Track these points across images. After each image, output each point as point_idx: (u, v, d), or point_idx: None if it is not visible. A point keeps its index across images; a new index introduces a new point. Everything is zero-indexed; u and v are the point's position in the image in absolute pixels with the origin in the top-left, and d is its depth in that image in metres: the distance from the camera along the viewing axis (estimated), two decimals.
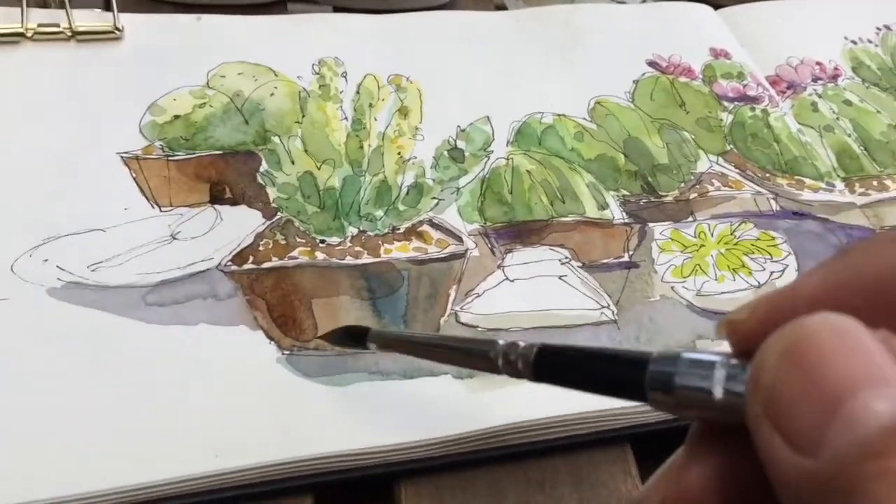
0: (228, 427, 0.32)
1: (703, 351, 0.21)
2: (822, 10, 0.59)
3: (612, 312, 0.38)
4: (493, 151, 0.44)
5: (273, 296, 0.36)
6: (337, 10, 0.54)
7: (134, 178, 0.40)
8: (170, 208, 0.39)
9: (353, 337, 0.34)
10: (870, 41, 0.56)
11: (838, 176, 0.47)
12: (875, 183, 0.47)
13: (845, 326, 0.17)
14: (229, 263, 0.37)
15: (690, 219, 0.43)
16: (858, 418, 0.16)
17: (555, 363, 0.25)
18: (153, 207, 0.39)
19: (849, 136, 0.49)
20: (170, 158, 0.41)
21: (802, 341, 0.17)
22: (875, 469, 0.15)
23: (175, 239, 0.38)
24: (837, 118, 0.50)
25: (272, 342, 0.35)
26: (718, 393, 0.18)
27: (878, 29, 0.57)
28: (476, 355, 0.28)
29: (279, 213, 0.40)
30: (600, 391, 0.24)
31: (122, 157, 0.41)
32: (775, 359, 0.18)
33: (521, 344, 0.26)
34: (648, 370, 0.20)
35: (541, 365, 0.25)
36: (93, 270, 0.36)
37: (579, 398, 0.34)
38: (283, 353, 0.35)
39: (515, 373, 0.26)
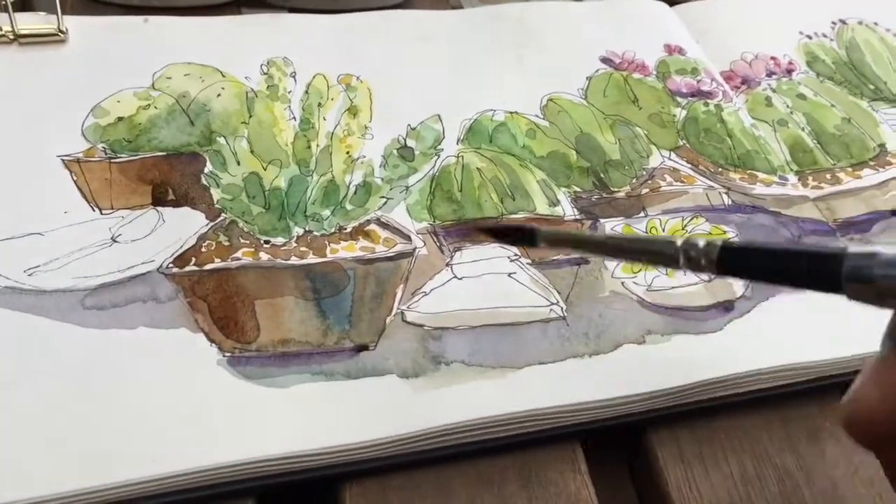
0: (167, 431, 0.32)
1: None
2: (778, 6, 0.59)
3: (562, 309, 0.38)
4: (443, 150, 0.44)
5: (215, 297, 0.36)
6: (292, 11, 0.54)
7: (75, 181, 0.39)
8: (111, 211, 0.38)
9: (517, 235, 0.34)
10: (825, 35, 0.56)
11: (791, 170, 0.47)
12: (828, 176, 0.47)
13: None
14: (170, 265, 0.37)
15: (642, 214, 0.43)
16: None
17: (740, 258, 0.27)
18: (94, 210, 0.38)
19: (802, 129, 0.49)
20: (112, 161, 0.40)
21: None
22: None
23: (115, 242, 0.37)
24: (791, 112, 0.50)
25: (213, 345, 0.34)
26: None
27: (834, 23, 0.57)
28: (655, 252, 0.29)
29: (223, 215, 0.39)
30: (791, 283, 0.26)
31: (62, 159, 0.40)
32: None
33: (701, 243, 0.27)
34: (845, 263, 0.23)
35: (725, 260, 0.27)
36: (30, 275, 0.36)
37: (525, 396, 0.34)
38: (224, 356, 0.34)
39: (697, 268, 0.27)
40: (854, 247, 0.23)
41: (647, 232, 0.42)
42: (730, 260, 0.27)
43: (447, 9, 0.57)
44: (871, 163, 0.48)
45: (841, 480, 0.36)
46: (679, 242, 0.28)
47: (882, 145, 0.49)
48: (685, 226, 0.42)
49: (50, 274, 0.36)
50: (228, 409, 0.33)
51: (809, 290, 0.25)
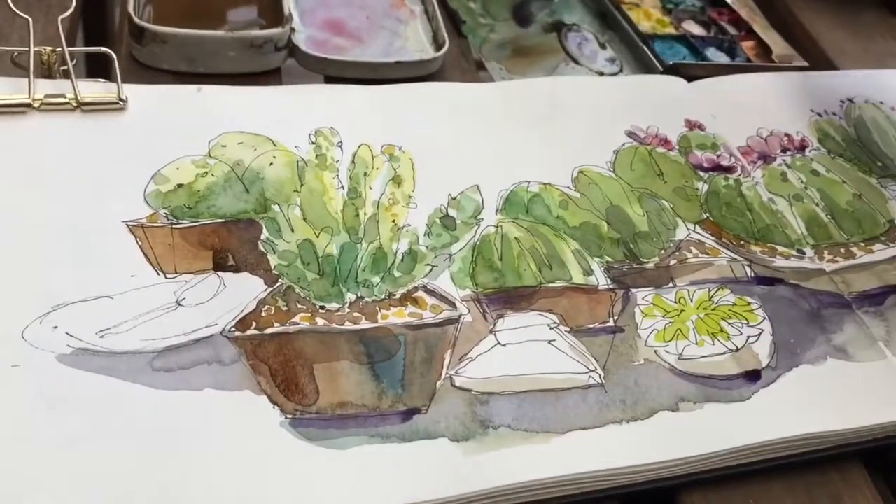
0: (232, 492, 0.33)
1: None
2: (790, 84, 0.62)
3: (599, 376, 0.40)
4: (483, 219, 0.46)
5: (276, 361, 0.38)
6: (328, 79, 0.56)
7: (139, 246, 0.41)
8: (174, 275, 0.40)
9: None
10: (834, 114, 0.59)
11: (808, 243, 0.49)
12: (842, 250, 0.49)
13: None
14: (233, 329, 0.39)
15: (671, 284, 0.45)
16: None
17: None
18: (158, 274, 0.40)
19: (816, 204, 0.52)
20: (174, 226, 0.42)
21: None
22: None
23: (180, 305, 0.39)
24: (806, 187, 0.53)
25: (275, 406, 0.36)
26: None
27: (842, 102, 0.61)
28: None
29: (280, 280, 0.41)
30: None
31: (127, 224, 0.42)
32: None
33: None
34: None
35: None
36: (101, 337, 0.37)
37: (567, 460, 0.36)
38: (286, 418, 0.36)
39: None
40: None
41: (675, 301, 0.44)
42: None
43: (476, 79, 0.59)
44: (882, 238, 0.51)
45: None
46: None
47: (891, 221, 0.52)
48: (711, 296, 0.45)
49: (120, 336, 0.37)
50: (291, 469, 0.34)
51: None
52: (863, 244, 0.50)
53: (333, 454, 0.35)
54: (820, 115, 0.59)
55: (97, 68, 0.53)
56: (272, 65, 0.56)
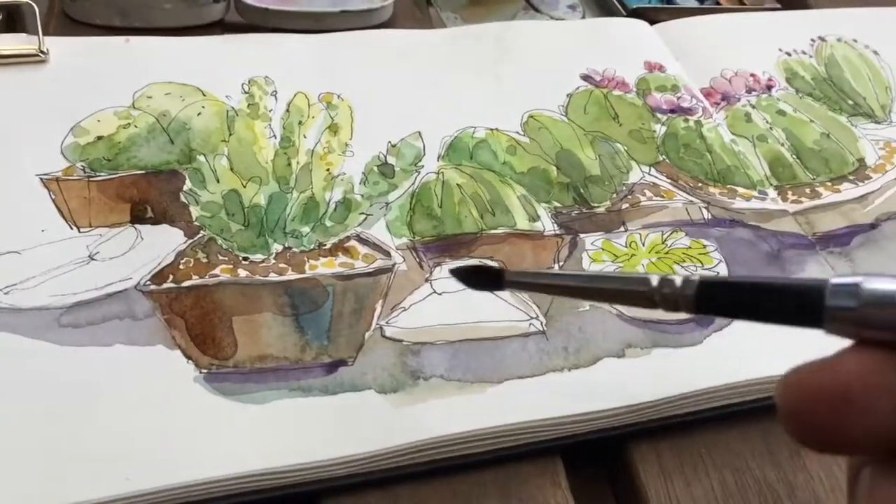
0: (143, 448, 0.32)
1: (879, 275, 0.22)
2: (758, 24, 0.59)
3: (541, 323, 0.38)
4: (423, 166, 0.44)
5: (192, 314, 0.36)
6: (274, 31, 0.54)
7: (53, 200, 0.39)
8: (89, 229, 0.38)
9: (486, 278, 0.31)
10: (804, 52, 0.57)
11: (771, 184, 0.47)
12: (807, 190, 0.47)
13: None
14: (148, 283, 0.37)
15: (622, 229, 0.43)
16: None
17: (718, 295, 0.25)
18: (72, 229, 0.38)
19: (782, 145, 0.49)
20: (91, 179, 0.40)
21: None
22: None
23: (93, 260, 0.37)
24: (771, 128, 0.50)
25: (189, 361, 0.34)
26: None
27: (813, 40, 0.58)
28: (629, 292, 0.27)
29: (202, 232, 0.39)
30: (770, 320, 0.24)
31: (41, 178, 0.40)
32: None
33: (678, 279, 0.25)
34: (827, 297, 0.21)
35: (703, 297, 0.25)
36: (6, 293, 0.35)
37: (504, 410, 0.34)
38: (200, 373, 0.34)
39: (673, 306, 0.26)
40: (836, 278, 0.22)
41: (626, 246, 0.42)
42: (708, 297, 0.25)
43: (429, 28, 0.57)
44: (851, 177, 0.48)
45: (822, 493, 0.35)
46: (654, 281, 0.26)
47: (861, 160, 0.49)
48: (665, 240, 0.42)
49: (26, 292, 0.36)
50: (205, 425, 0.32)
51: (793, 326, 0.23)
52: (829, 183, 0.47)
53: (251, 409, 0.33)
54: (789, 54, 0.56)
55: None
56: (211, 17, 0.53)
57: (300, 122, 0.45)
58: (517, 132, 0.47)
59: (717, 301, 0.25)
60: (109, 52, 0.47)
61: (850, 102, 0.53)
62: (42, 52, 0.45)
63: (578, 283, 0.29)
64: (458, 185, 0.43)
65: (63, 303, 0.35)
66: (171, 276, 0.37)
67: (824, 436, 0.21)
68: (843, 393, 0.20)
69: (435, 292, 0.39)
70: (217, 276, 0.37)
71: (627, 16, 0.59)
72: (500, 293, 0.39)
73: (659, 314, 0.38)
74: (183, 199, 0.40)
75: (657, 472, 0.35)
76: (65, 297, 0.36)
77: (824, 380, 0.21)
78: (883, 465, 0.21)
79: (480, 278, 0.31)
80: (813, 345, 0.38)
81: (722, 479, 0.35)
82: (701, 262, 0.41)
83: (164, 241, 0.38)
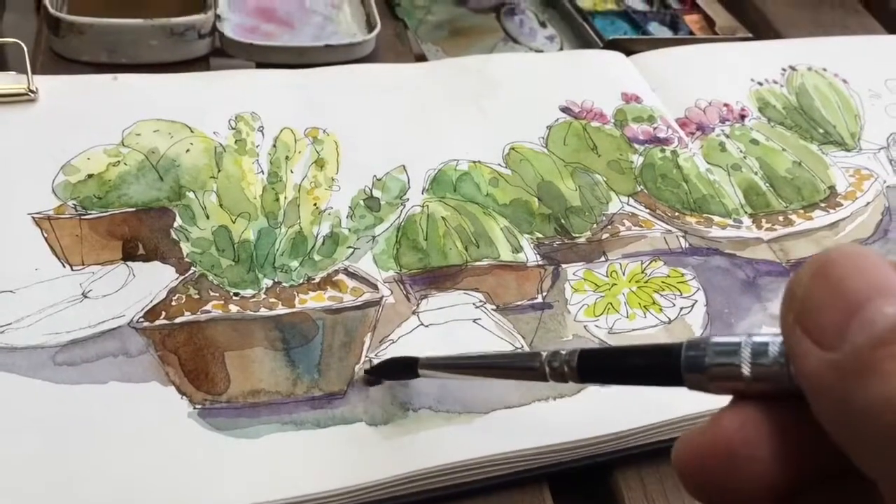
0: (138, 484, 0.32)
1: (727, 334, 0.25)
2: (730, 54, 0.61)
3: None
4: (408, 199, 0.45)
5: (185, 350, 0.36)
6: (260, 66, 0.55)
7: (45, 238, 0.40)
8: (81, 267, 0.39)
9: (401, 369, 0.36)
10: (775, 82, 0.58)
11: (745, 212, 0.48)
12: (781, 218, 0.48)
13: (864, 252, 0.22)
14: (141, 320, 0.37)
15: (602, 259, 0.44)
16: (873, 318, 0.20)
17: (596, 363, 0.29)
18: (64, 267, 0.39)
19: (755, 173, 0.51)
20: (82, 217, 0.41)
21: (830, 262, 0.22)
22: (886, 353, 0.19)
23: (86, 297, 0.38)
24: (745, 157, 0.52)
25: (184, 397, 0.35)
26: (746, 369, 0.21)
27: (784, 70, 0.60)
28: (522, 368, 0.32)
29: (193, 268, 0.40)
30: (640, 382, 0.27)
31: (33, 217, 0.40)
32: (808, 277, 0.22)
33: (563, 352, 0.29)
34: (683, 356, 0.23)
35: (584, 367, 0.28)
36: (1, 332, 0.36)
37: (491, 440, 0.35)
38: (194, 408, 0.35)
39: (561, 378, 0.29)
40: (690, 339, 0.24)
41: (607, 276, 0.43)
42: (587, 365, 0.28)
43: (411, 61, 0.58)
44: (822, 204, 0.50)
45: None
46: (544, 356, 0.29)
47: (832, 187, 0.51)
48: (644, 269, 0.44)
49: (21, 331, 0.36)
50: (199, 460, 0.33)
51: (657, 387, 0.25)
52: (802, 211, 0.49)
53: (244, 444, 0.34)
54: (760, 83, 0.58)
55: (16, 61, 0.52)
56: (197, 53, 0.54)
57: (287, 158, 0.46)
58: (499, 164, 0.48)
59: (596, 369, 0.29)
60: (98, 89, 0.48)
61: (821, 131, 0.55)
62: (31, 91, 0.46)
63: (478, 361, 0.35)
64: (442, 217, 0.44)
65: (58, 341, 0.36)
66: (163, 313, 0.38)
67: (718, 491, 0.22)
68: (725, 449, 0.22)
69: (422, 324, 0.39)
70: (209, 311, 0.38)
71: (604, 47, 0.61)
72: (484, 324, 0.40)
73: (637, 342, 0.40)
74: (173, 235, 0.41)
75: (641, 497, 0.36)
76: (59, 335, 0.36)
77: (708, 439, 0.22)
78: None
79: (395, 372, 0.36)
80: None
81: None
82: (679, 290, 0.43)
83: (155, 278, 0.39)
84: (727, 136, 0.53)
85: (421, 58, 0.60)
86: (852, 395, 0.20)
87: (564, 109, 0.53)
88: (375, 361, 0.37)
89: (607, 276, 0.43)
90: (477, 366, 0.35)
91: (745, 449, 0.22)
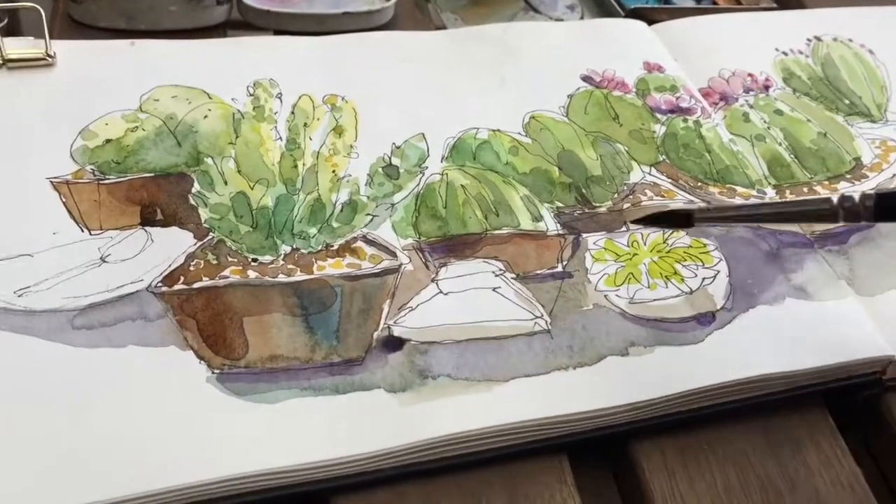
0: (157, 448, 0.32)
1: None
2: (755, 24, 0.60)
3: (546, 322, 0.39)
4: (427, 167, 0.45)
5: (204, 315, 0.36)
6: (277, 34, 0.54)
7: (64, 203, 0.40)
8: (100, 231, 0.39)
9: (677, 220, 0.37)
10: (800, 52, 0.57)
11: (769, 183, 0.47)
12: (805, 189, 0.47)
13: None
14: (159, 284, 0.37)
15: (624, 228, 0.43)
16: None
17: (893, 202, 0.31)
18: (83, 231, 0.39)
19: (779, 144, 0.50)
20: (100, 182, 0.41)
21: None
22: None
23: (104, 262, 0.38)
24: (769, 127, 0.51)
25: (202, 362, 0.35)
26: None
27: (809, 40, 0.59)
28: (813, 212, 0.33)
29: (211, 234, 0.40)
30: None
31: (51, 181, 0.40)
32: None
33: (856, 195, 0.31)
34: None
35: (882, 206, 0.30)
36: (20, 296, 0.36)
37: (510, 408, 0.35)
38: (212, 373, 0.35)
39: (856, 217, 0.31)
40: None
41: (628, 245, 0.43)
42: (887, 204, 0.30)
43: (430, 30, 0.58)
44: (848, 176, 0.49)
45: (823, 488, 0.36)
46: (835, 199, 0.32)
47: (857, 159, 0.50)
48: (666, 239, 0.43)
49: (40, 294, 0.36)
50: (217, 425, 0.33)
51: None
52: (827, 182, 0.48)
53: (263, 408, 0.34)
54: (785, 53, 0.57)
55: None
56: (215, 19, 0.54)
57: (305, 125, 0.45)
58: (519, 133, 0.48)
59: (893, 207, 0.31)
60: (115, 54, 0.47)
61: (847, 102, 0.54)
62: (49, 55, 0.45)
63: (765, 208, 0.37)
64: (461, 185, 0.44)
65: (76, 305, 0.36)
66: (181, 278, 0.37)
67: None
68: None
69: (441, 292, 0.39)
70: (227, 277, 0.38)
71: (626, 16, 0.60)
72: (503, 293, 0.40)
73: (662, 312, 0.39)
74: (192, 201, 0.41)
75: (661, 468, 0.36)
76: (77, 299, 0.36)
77: None
78: None
79: (672, 221, 0.37)
80: (806, 341, 0.39)
81: (724, 475, 0.36)
82: (702, 260, 0.42)
83: (174, 244, 0.39)
84: (751, 107, 0.52)
85: (440, 27, 0.59)
86: None
87: (585, 78, 0.52)
88: (394, 328, 0.37)
89: (629, 246, 0.43)
90: (763, 214, 0.36)
91: None
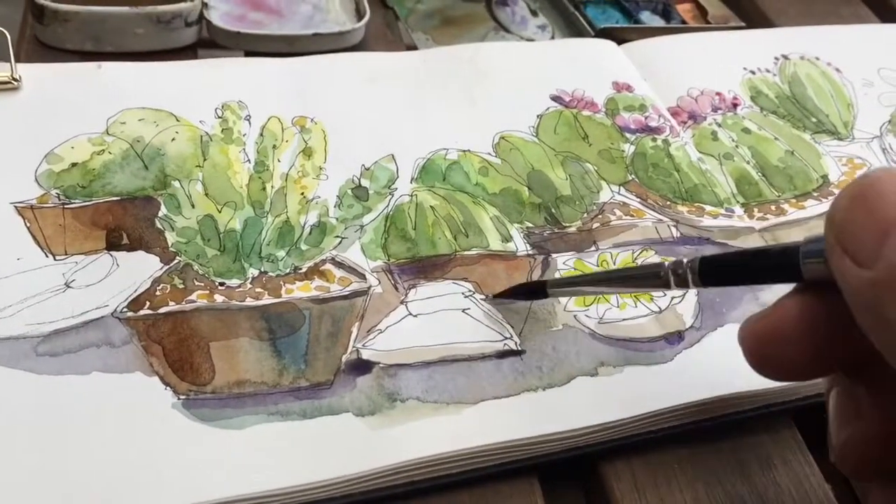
0: (122, 476, 0.32)
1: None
2: (723, 43, 0.60)
3: (516, 343, 0.39)
4: (397, 189, 0.45)
5: (170, 340, 0.36)
6: (248, 55, 0.54)
7: (28, 228, 0.39)
8: (64, 257, 0.38)
9: (531, 292, 0.39)
10: (768, 70, 0.58)
11: (737, 202, 0.48)
12: (773, 207, 0.48)
13: None
14: (125, 309, 0.37)
15: (593, 248, 0.43)
16: None
17: (716, 267, 0.32)
18: (47, 256, 0.38)
19: (747, 162, 0.50)
20: (65, 206, 0.40)
21: (866, 186, 0.24)
22: None
23: (69, 287, 0.37)
24: (737, 146, 0.51)
25: (168, 388, 0.34)
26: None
27: (776, 59, 0.59)
28: (647, 277, 0.35)
29: (178, 258, 0.39)
30: (760, 280, 0.33)
31: (15, 206, 0.40)
32: (846, 200, 0.24)
33: (685, 260, 0.32)
34: (801, 250, 0.27)
35: (705, 271, 0.32)
36: None
37: (480, 431, 0.35)
38: (178, 399, 0.34)
39: (684, 284, 0.32)
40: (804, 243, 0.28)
41: (597, 265, 0.43)
42: (709, 270, 0.31)
43: (401, 50, 0.58)
44: (815, 194, 0.49)
45: None
46: (666, 265, 0.33)
47: (824, 176, 0.51)
48: (635, 258, 0.43)
49: (3, 321, 0.36)
50: (184, 451, 0.33)
51: (776, 283, 0.30)
52: (794, 200, 0.48)
53: (229, 434, 0.34)
54: (753, 72, 0.57)
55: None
56: (184, 41, 0.54)
57: (274, 146, 0.45)
58: (489, 153, 0.48)
59: (717, 272, 0.32)
60: (82, 77, 0.47)
61: (814, 120, 0.55)
62: (15, 79, 0.45)
63: (606, 277, 0.39)
64: (431, 206, 0.44)
65: (40, 331, 0.35)
66: (147, 303, 0.37)
67: (777, 365, 0.29)
68: (781, 330, 0.28)
69: (410, 314, 0.39)
70: (194, 301, 0.38)
71: (595, 36, 0.60)
72: (473, 314, 0.40)
73: (631, 332, 0.40)
74: (158, 225, 0.40)
75: (631, 488, 0.36)
76: (41, 325, 0.36)
77: (770, 325, 0.28)
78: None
79: (527, 292, 0.39)
80: None
81: (695, 494, 0.36)
82: None
83: (140, 268, 0.39)
84: (719, 125, 0.53)
85: (411, 47, 0.59)
86: (886, 309, 0.23)
87: (555, 98, 0.52)
88: (363, 351, 0.37)
89: (598, 266, 0.43)
90: (603, 280, 0.38)
91: (800, 329, 0.27)
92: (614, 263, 0.43)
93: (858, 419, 0.29)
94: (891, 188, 0.24)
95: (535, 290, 0.39)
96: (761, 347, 0.29)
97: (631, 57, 0.57)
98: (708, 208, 0.47)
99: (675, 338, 0.40)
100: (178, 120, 0.45)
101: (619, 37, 0.60)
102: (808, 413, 0.40)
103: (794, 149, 0.52)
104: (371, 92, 0.50)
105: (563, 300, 0.41)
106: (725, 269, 0.32)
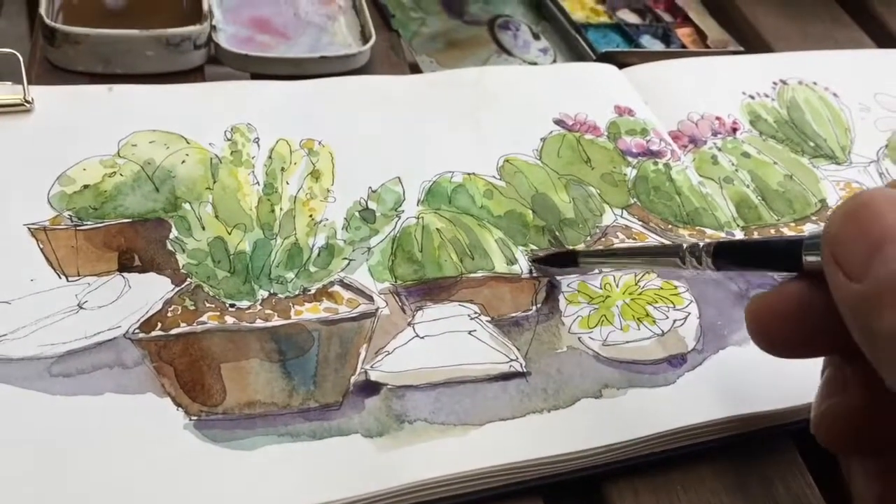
0: (134, 496, 0.32)
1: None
2: (722, 68, 0.61)
3: (521, 365, 0.39)
4: (403, 211, 0.45)
5: (181, 362, 0.36)
6: (254, 77, 0.55)
7: (41, 249, 0.40)
8: (77, 278, 0.39)
9: (565, 262, 0.43)
10: (766, 95, 0.59)
11: (737, 225, 0.49)
12: (772, 231, 0.49)
13: (891, 195, 0.25)
14: (137, 331, 0.37)
15: (597, 271, 0.44)
16: (893, 256, 0.24)
17: (728, 251, 0.35)
18: (60, 278, 0.39)
19: (747, 186, 0.51)
20: (78, 228, 0.41)
21: (859, 203, 0.26)
22: None
23: (82, 308, 0.38)
24: (736, 170, 0.52)
25: (179, 408, 0.35)
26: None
27: (775, 83, 0.60)
28: (667, 254, 0.38)
29: (189, 279, 0.40)
30: (765, 267, 0.36)
31: (29, 228, 0.41)
32: (840, 216, 0.26)
33: (701, 244, 0.36)
34: (804, 243, 0.30)
35: (718, 254, 0.35)
36: None
37: (486, 452, 0.35)
38: (190, 420, 0.35)
39: (699, 265, 0.36)
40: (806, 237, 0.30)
41: (601, 288, 0.43)
42: (722, 253, 0.35)
43: (406, 72, 0.58)
44: (814, 218, 0.50)
45: None
46: (685, 247, 0.36)
47: (823, 200, 0.51)
48: (638, 281, 0.44)
49: (17, 342, 0.36)
50: (195, 472, 0.33)
51: (779, 272, 0.33)
52: (793, 224, 0.49)
53: (240, 455, 0.34)
54: (752, 97, 0.58)
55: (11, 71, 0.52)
56: (192, 63, 0.54)
57: (282, 169, 0.46)
58: (494, 176, 0.48)
59: (729, 257, 0.35)
60: (93, 100, 0.48)
61: (812, 144, 0.56)
62: (27, 101, 0.46)
63: (630, 252, 0.43)
64: (437, 229, 0.45)
65: (53, 352, 0.36)
66: (159, 324, 0.38)
67: (781, 343, 0.31)
68: (781, 310, 0.30)
69: (417, 336, 0.40)
70: (205, 323, 0.38)
71: (597, 59, 0.61)
72: (479, 336, 0.40)
73: (634, 355, 0.40)
74: (169, 246, 0.41)
75: None
76: (55, 346, 0.36)
77: (772, 304, 0.31)
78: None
79: (558, 263, 0.44)
80: (774, 381, 0.40)
81: None
82: (673, 302, 0.43)
83: (151, 289, 0.39)
84: (719, 149, 0.54)
85: (415, 69, 0.60)
86: (873, 322, 0.24)
87: (558, 122, 0.53)
88: (371, 372, 0.38)
89: (601, 288, 0.43)
90: (628, 253, 0.43)
91: (799, 308, 0.29)
92: (617, 286, 0.43)
93: (843, 392, 0.31)
94: (883, 206, 0.25)
95: (568, 260, 0.42)
96: (762, 323, 0.31)
97: (632, 81, 0.58)
98: (709, 231, 0.48)
99: (678, 360, 0.40)
100: (188, 142, 0.46)
101: (620, 61, 0.60)
102: (808, 435, 0.40)
103: (793, 173, 0.53)
104: (377, 115, 0.51)
105: (568, 322, 0.41)
106: (736, 253, 0.35)
